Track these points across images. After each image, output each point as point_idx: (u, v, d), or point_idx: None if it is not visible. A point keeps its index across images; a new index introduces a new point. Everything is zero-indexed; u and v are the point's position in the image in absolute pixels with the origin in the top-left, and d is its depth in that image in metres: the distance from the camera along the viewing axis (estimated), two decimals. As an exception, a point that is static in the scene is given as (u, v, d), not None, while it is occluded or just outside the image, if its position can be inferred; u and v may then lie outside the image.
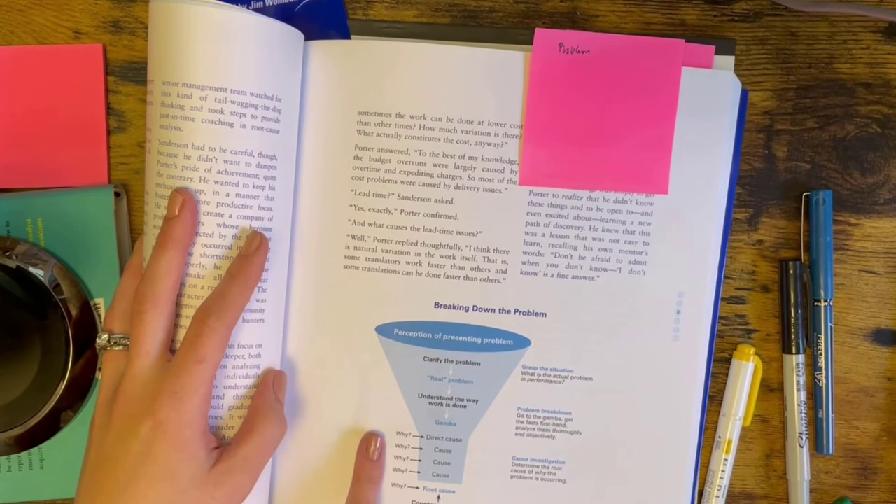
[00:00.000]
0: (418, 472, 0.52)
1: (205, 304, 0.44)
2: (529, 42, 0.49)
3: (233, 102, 0.44)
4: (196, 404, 0.42)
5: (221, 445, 0.44)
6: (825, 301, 0.52)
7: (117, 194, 0.52)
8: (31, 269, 0.50)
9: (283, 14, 0.51)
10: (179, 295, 0.45)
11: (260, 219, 0.46)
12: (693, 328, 0.50)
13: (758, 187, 0.52)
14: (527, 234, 0.50)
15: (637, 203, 0.50)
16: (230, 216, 0.45)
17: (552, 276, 0.50)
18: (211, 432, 0.45)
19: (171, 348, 0.45)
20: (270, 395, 0.47)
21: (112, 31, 0.53)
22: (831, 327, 0.52)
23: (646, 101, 0.49)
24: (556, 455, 0.51)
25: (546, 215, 0.50)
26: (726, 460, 0.53)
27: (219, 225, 0.45)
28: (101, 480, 0.42)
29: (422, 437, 0.51)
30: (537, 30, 0.48)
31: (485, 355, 0.51)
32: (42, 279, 0.50)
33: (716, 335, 0.51)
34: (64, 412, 0.52)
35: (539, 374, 0.51)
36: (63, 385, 0.51)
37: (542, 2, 0.51)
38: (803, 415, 0.52)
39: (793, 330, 0.52)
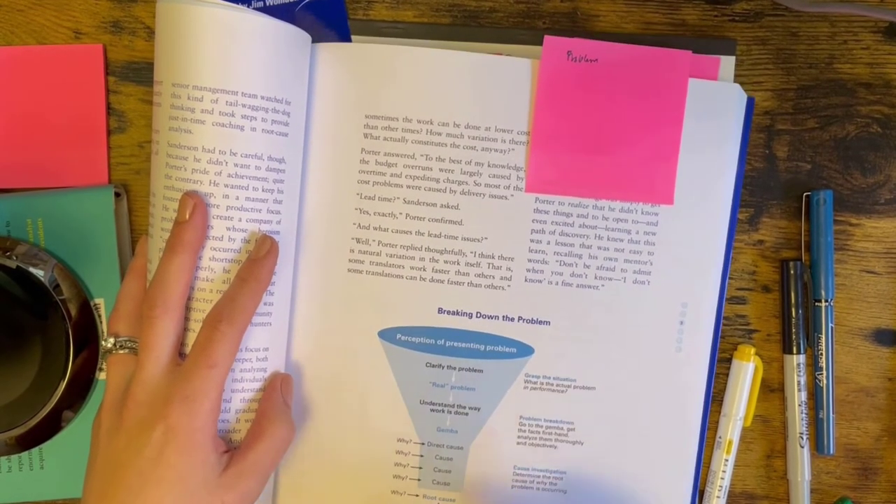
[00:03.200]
0: (419, 480, 0.51)
1: (216, 309, 0.44)
2: (530, 42, 0.49)
3: (244, 105, 0.44)
4: (207, 409, 0.42)
5: (230, 449, 0.44)
6: (826, 301, 0.52)
7: (117, 195, 0.52)
8: (32, 270, 0.50)
9: (283, 14, 0.51)
10: (189, 299, 0.45)
11: (269, 222, 0.46)
12: (696, 340, 0.50)
13: (758, 187, 0.52)
14: (532, 241, 0.50)
15: (642, 213, 0.49)
16: (240, 220, 0.45)
17: (557, 283, 0.50)
18: (219, 436, 0.45)
19: (180, 352, 0.45)
20: (278, 398, 0.47)
21: (112, 32, 0.52)
22: (832, 327, 0.52)
23: (652, 111, 0.48)
24: (557, 465, 0.51)
25: (552, 223, 0.50)
26: (727, 461, 0.53)
27: (228, 228, 0.45)
28: (112, 486, 0.42)
29: (423, 444, 0.51)
30: (546, 37, 0.48)
31: (487, 362, 0.50)
32: (42, 279, 0.50)
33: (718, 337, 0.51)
34: (64, 412, 0.52)
35: (542, 383, 0.51)
36: (63, 385, 0.51)
37: (542, 2, 0.51)
38: (804, 415, 0.52)
39: (793, 330, 0.52)
